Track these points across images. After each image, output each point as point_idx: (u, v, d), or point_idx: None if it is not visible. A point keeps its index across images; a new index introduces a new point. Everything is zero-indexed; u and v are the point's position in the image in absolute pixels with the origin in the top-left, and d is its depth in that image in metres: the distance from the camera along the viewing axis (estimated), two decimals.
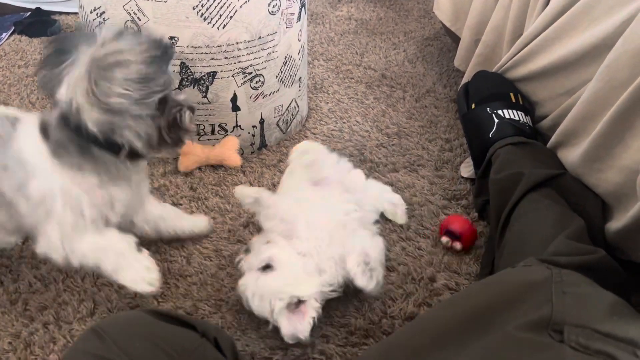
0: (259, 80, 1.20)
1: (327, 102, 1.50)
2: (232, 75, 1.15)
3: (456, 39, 1.54)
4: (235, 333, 0.87)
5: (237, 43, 1.11)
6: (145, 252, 0.83)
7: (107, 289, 0.94)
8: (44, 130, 0.77)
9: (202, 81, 1.14)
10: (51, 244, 0.80)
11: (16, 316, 0.89)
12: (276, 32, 1.16)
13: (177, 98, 0.80)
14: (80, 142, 0.75)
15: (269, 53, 1.17)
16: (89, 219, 0.79)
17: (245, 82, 1.18)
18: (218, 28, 1.07)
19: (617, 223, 0.86)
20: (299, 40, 1.27)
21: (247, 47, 1.13)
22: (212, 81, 1.15)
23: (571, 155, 0.95)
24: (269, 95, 1.24)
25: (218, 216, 1.10)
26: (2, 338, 0.86)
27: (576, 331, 0.50)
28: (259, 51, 1.15)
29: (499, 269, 0.88)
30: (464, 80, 1.38)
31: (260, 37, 1.13)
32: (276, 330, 0.87)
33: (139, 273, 0.81)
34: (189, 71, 1.12)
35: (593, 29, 0.96)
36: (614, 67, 0.85)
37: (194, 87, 1.15)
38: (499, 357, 0.50)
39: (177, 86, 1.15)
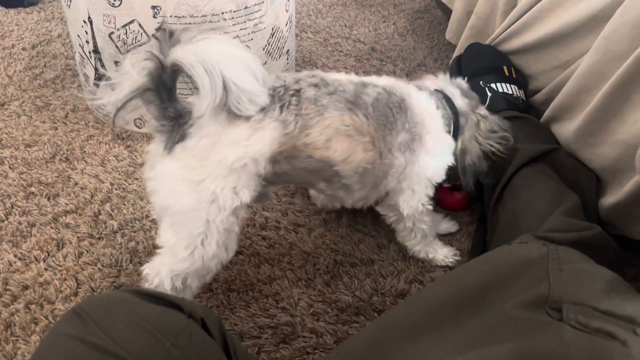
0: None
1: None
2: None
3: (447, 11, 1.50)
4: (224, 312, 0.86)
5: (223, 13, 1.07)
6: None
7: (90, 268, 0.91)
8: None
9: None
10: (417, 200, 0.87)
11: None
12: (263, 2, 1.12)
13: None
14: None
15: (256, 24, 1.13)
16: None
17: None
18: None
19: (610, 198, 0.85)
20: (287, 11, 1.23)
21: (232, 18, 1.09)
22: None
23: (565, 130, 0.94)
24: None
25: None
26: None
27: (575, 309, 0.49)
28: (245, 22, 1.11)
29: (492, 245, 0.87)
30: (456, 53, 1.35)
31: (246, 7, 1.09)
32: (265, 308, 0.86)
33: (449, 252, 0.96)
34: None
35: (590, 0, 0.93)
36: (612, 39, 0.82)
37: None
38: (496, 336, 0.49)
39: None
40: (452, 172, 0.89)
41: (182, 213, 0.72)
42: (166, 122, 0.70)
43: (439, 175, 0.87)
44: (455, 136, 0.88)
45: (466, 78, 1.13)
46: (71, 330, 0.51)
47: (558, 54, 1.00)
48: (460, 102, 0.90)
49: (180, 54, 0.64)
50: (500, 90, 1.06)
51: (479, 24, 1.29)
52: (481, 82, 1.09)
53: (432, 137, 0.84)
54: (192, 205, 0.71)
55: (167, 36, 0.65)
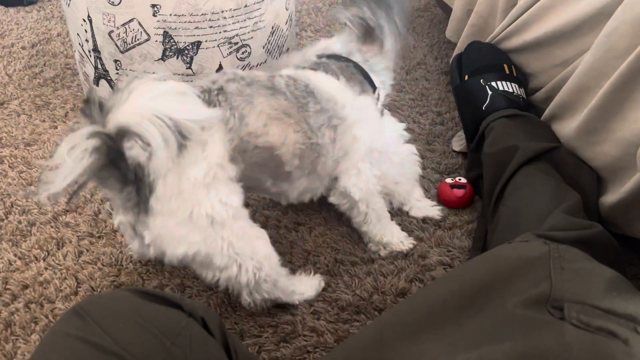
0: (246, 51, 1.16)
1: None
2: (218, 46, 1.11)
3: (447, 10, 1.50)
4: (226, 311, 0.85)
5: (222, 11, 1.07)
6: None
7: (90, 267, 0.91)
8: None
9: (187, 51, 1.10)
10: (365, 181, 0.89)
11: None
12: (263, 1, 1.12)
13: None
14: None
15: (256, 22, 1.13)
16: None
17: (231, 52, 1.14)
18: None
19: (611, 197, 0.84)
20: (287, 10, 1.23)
21: (232, 16, 1.09)
22: (197, 51, 1.11)
23: (566, 128, 0.93)
24: (256, 66, 1.20)
25: None
26: None
27: (576, 308, 0.49)
28: (245, 20, 1.11)
29: (493, 243, 0.86)
30: (456, 51, 1.35)
31: (246, 6, 1.09)
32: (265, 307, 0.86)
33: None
34: (172, 41, 1.08)
35: None
36: (613, 36, 0.82)
37: (177, 58, 1.11)
38: (498, 335, 0.49)
39: (160, 57, 1.10)
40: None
41: (200, 252, 0.72)
42: (131, 187, 0.67)
43: (380, 139, 0.91)
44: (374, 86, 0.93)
45: (466, 76, 1.13)
46: (71, 329, 0.51)
47: (559, 52, 1.00)
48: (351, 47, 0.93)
49: (121, 118, 0.62)
50: (501, 88, 1.06)
51: (479, 23, 1.28)
52: (481, 81, 1.08)
53: (350, 108, 0.85)
54: (201, 238, 0.71)
55: (98, 107, 0.63)
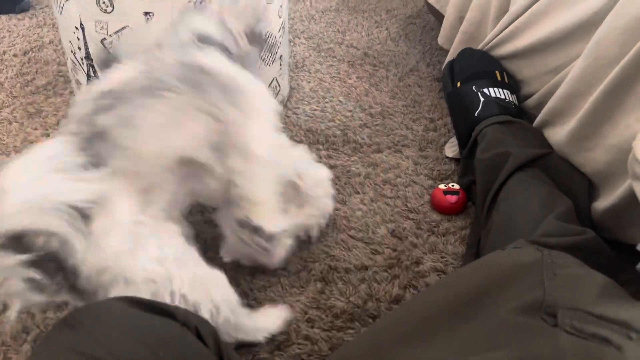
0: None
1: (309, 82, 1.46)
2: None
3: (440, 17, 1.51)
4: None
5: None
6: None
7: None
8: None
9: None
10: None
11: None
12: None
13: None
14: None
15: None
16: None
17: None
18: (195, 3, 1.03)
19: (604, 202, 0.85)
20: (280, 17, 1.23)
21: None
22: None
23: (558, 135, 0.94)
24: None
25: None
26: None
27: (570, 314, 0.49)
28: None
29: (486, 249, 0.87)
30: (448, 58, 1.36)
31: None
32: None
33: None
34: None
35: (581, 5, 0.94)
36: (603, 43, 0.83)
37: None
38: (491, 342, 0.49)
39: None
40: None
41: None
42: (59, 275, 0.59)
43: None
44: None
45: (459, 83, 1.14)
46: (63, 339, 0.51)
47: (550, 59, 1.01)
48: None
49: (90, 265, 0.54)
50: (493, 95, 1.07)
51: (471, 30, 1.29)
52: (474, 87, 1.09)
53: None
54: (150, 294, 0.63)
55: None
